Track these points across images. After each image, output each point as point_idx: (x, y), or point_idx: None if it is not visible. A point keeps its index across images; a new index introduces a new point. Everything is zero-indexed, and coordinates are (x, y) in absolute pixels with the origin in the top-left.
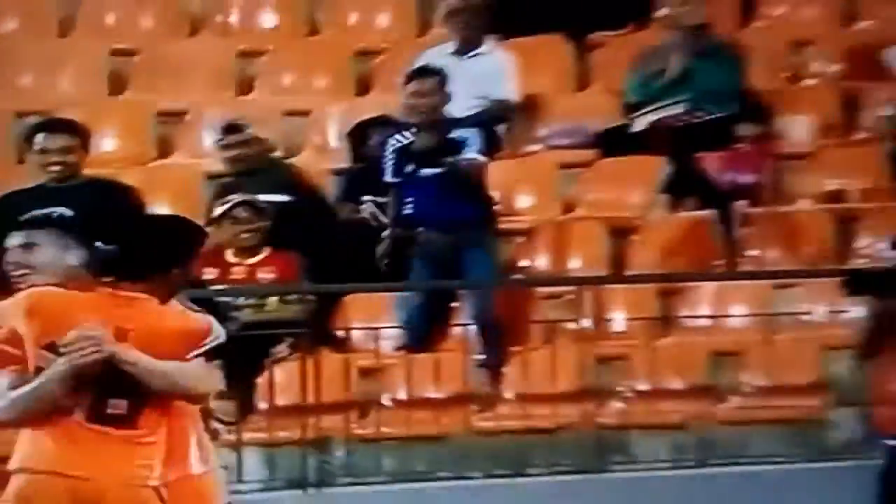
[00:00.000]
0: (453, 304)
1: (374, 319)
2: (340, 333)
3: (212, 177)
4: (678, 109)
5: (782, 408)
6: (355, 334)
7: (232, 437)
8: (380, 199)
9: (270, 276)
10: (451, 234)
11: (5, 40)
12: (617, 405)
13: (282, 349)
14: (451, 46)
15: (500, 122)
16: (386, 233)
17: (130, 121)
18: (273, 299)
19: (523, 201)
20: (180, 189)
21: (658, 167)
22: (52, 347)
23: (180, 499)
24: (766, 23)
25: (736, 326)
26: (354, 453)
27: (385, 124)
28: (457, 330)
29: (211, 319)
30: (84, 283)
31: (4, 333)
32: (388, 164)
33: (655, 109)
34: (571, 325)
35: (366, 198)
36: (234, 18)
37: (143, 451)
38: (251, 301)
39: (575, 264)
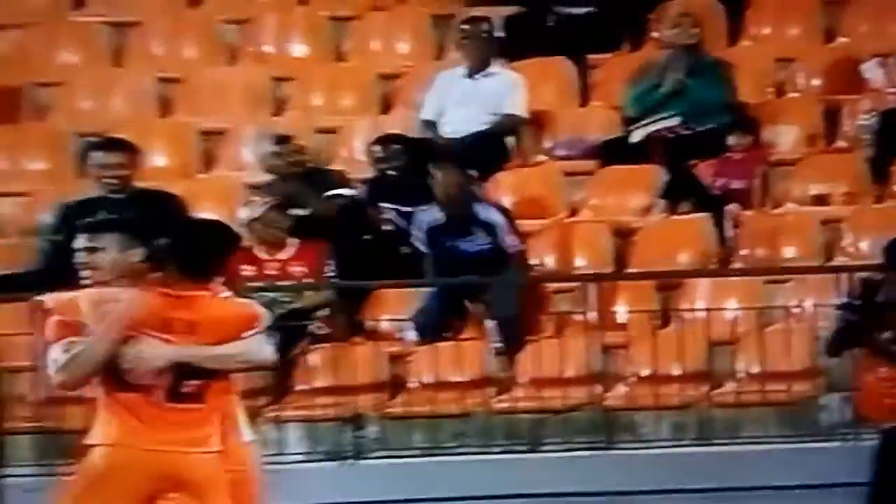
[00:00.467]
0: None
1: (400, 311)
2: (370, 324)
3: (251, 186)
4: (673, 122)
5: (774, 392)
6: (384, 324)
7: (276, 414)
8: (401, 208)
9: (301, 269)
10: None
11: (66, 70)
12: (622, 389)
13: (315, 328)
14: (464, 68)
15: (509, 135)
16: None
17: (177, 139)
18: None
19: (533, 206)
20: (222, 198)
21: (655, 174)
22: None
23: (234, 462)
24: (753, 41)
25: (730, 319)
26: (386, 429)
27: (402, 140)
28: (476, 321)
29: (257, 304)
30: (142, 278)
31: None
32: (420, 238)
33: (652, 122)
34: (579, 317)
35: (385, 205)
36: (267, 47)
37: (208, 421)
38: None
39: (581, 262)
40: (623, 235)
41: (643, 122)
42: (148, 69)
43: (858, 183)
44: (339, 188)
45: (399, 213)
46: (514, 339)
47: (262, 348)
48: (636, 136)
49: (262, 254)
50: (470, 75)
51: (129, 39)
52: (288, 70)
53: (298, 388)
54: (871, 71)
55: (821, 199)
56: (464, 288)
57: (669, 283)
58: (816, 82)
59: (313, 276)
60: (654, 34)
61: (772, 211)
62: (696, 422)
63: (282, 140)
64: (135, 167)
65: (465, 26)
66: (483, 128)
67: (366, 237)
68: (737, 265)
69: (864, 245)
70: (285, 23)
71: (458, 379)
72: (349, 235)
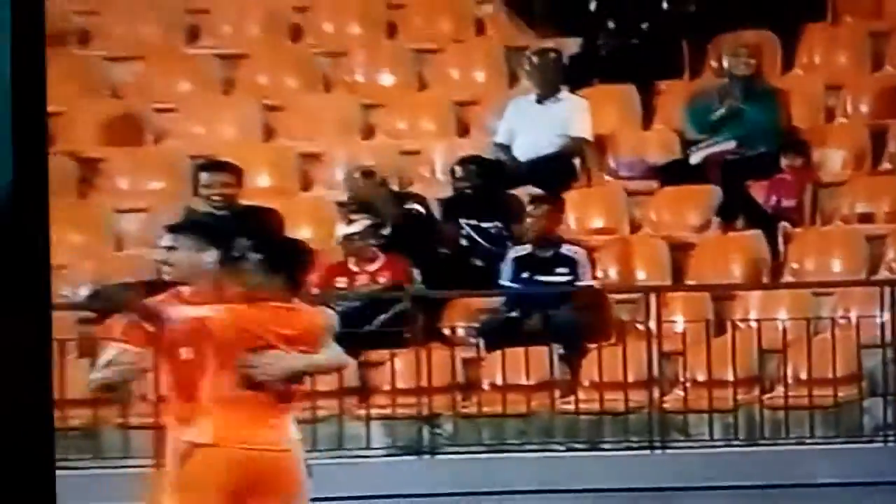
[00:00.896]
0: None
1: (473, 319)
2: (446, 331)
3: (342, 204)
4: (729, 145)
5: (820, 396)
6: (459, 331)
7: (362, 412)
8: (479, 224)
9: (387, 279)
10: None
11: (181, 98)
12: (678, 392)
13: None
14: (534, 95)
15: (576, 157)
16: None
17: (278, 161)
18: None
19: (597, 223)
20: (317, 215)
21: (712, 194)
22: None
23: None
24: (805, 70)
25: (780, 328)
26: (459, 427)
27: (479, 162)
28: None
29: (333, 313)
30: (218, 281)
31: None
32: (507, 270)
33: (710, 145)
34: (639, 326)
35: (463, 221)
36: (358, 77)
37: (285, 420)
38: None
39: (641, 275)
40: (680, 250)
41: (702, 145)
42: (253, 97)
43: None
44: (414, 206)
45: (474, 227)
46: (574, 348)
47: (342, 354)
48: (695, 157)
49: (353, 266)
50: (539, 101)
51: (236, 70)
52: (376, 98)
53: (382, 388)
54: None
55: (866, 217)
56: (534, 300)
57: (723, 294)
58: (864, 108)
59: (397, 285)
60: (713, 63)
61: (820, 228)
62: (745, 423)
63: (367, 174)
64: (239, 186)
65: (535, 57)
66: (552, 150)
67: (443, 251)
68: (787, 278)
69: None
70: (374, 55)
71: (525, 382)
72: (428, 249)
